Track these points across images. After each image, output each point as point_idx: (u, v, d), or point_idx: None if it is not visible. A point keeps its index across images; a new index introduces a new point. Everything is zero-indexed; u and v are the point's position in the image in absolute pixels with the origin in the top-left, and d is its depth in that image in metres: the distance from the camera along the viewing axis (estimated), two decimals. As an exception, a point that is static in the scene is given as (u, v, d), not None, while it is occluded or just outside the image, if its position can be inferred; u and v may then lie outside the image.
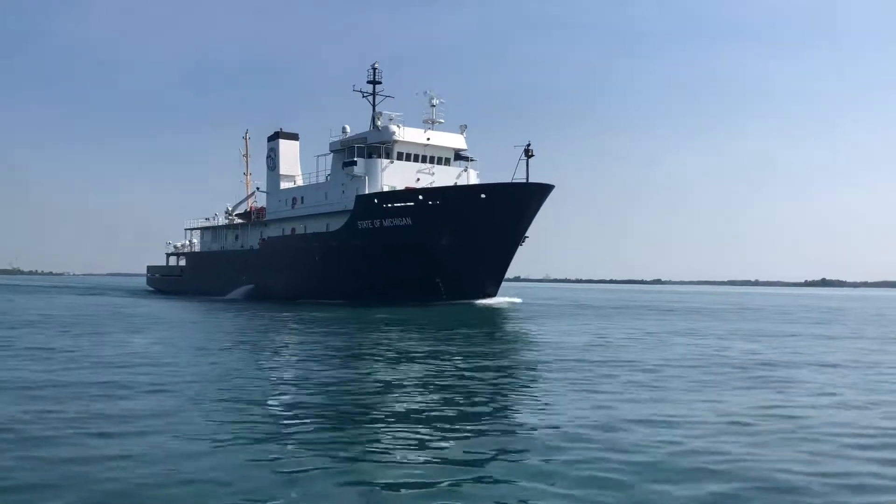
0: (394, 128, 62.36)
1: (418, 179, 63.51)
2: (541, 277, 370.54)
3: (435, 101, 65.61)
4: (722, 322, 43.27)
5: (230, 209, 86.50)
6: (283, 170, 74.51)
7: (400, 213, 57.29)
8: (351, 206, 61.82)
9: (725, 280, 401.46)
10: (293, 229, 71.49)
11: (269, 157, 76.36)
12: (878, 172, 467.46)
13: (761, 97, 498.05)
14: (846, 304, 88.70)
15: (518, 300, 62.05)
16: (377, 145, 62.34)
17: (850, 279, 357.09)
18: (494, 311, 50.10)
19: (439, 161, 65.33)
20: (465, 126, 67.02)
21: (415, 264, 57.32)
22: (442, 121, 65.48)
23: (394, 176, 62.39)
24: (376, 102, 70.86)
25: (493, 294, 58.87)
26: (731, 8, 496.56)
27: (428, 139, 63.87)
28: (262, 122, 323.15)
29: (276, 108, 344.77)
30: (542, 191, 55.17)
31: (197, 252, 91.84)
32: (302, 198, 70.63)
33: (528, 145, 54.21)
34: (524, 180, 54.39)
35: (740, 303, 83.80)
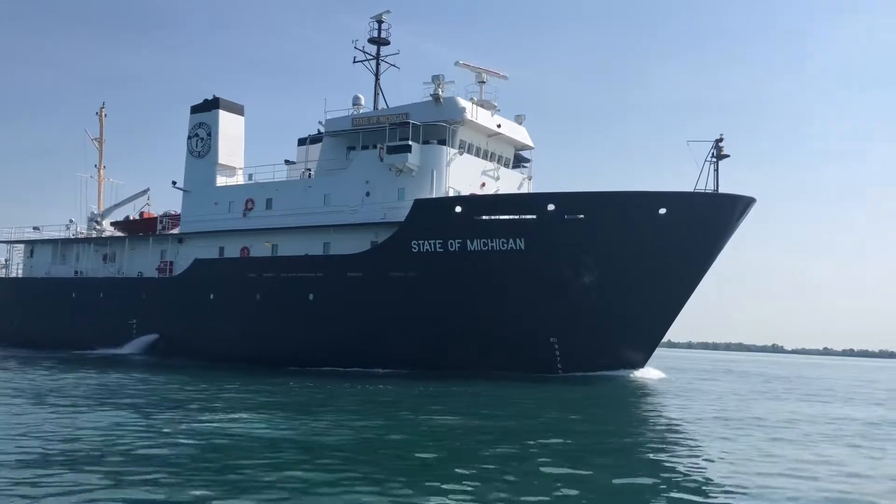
0: (464, 103, 40.83)
1: (483, 185, 42.37)
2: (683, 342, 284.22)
3: (485, 78, 44.93)
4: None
5: (96, 214, 56.75)
6: (222, 157, 48.35)
7: (505, 232, 35.83)
8: (387, 215, 39.16)
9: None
10: (245, 249, 45.76)
11: (193, 136, 49.48)
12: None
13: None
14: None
15: (661, 374, 41.43)
16: (439, 125, 40.21)
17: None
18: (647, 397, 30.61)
19: (499, 160, 44.71)
20: (524, 117, 47.11)
21: (518, 313, 36.11)
22: (497, 105, 44.91)
23: (457, 175, 40.66)
24: (380, 71, 48.68)
25: (639, 365, 38.87)
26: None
27: (499, 126, 43.08)
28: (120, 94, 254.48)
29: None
30: (743, 207, 37.08)
31: (21, 278, 59.49)
32: (268, 200, 45.37)
33: (720, 140, 36.08)
34: (712, 190, 36.10)
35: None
